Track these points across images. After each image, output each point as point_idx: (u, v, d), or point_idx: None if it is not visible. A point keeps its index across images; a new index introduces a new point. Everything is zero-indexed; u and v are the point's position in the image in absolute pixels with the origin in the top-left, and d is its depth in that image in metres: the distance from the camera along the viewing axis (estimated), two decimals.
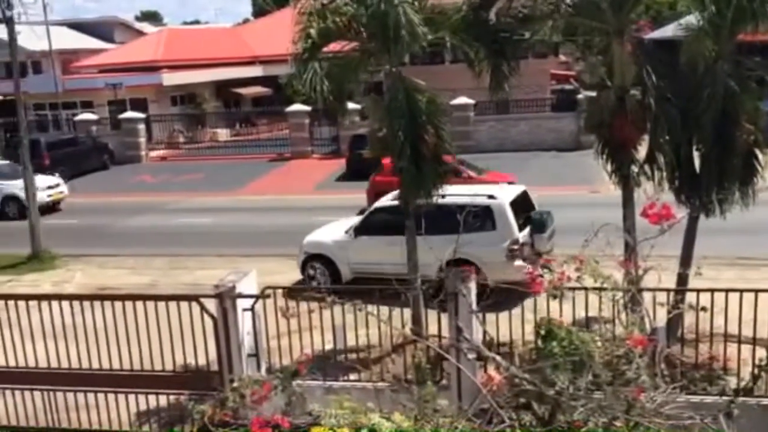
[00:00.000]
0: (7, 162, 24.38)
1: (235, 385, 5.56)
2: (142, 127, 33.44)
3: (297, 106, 30.77)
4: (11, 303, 8.00)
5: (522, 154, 27.88)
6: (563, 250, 5.34)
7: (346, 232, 14.06)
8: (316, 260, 14.09)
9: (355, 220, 14.43)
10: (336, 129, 30.94)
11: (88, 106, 37.89)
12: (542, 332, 5.10)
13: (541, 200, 14.46)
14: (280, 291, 7.68)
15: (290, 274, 14.54)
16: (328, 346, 8.50)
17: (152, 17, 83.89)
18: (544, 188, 22.07)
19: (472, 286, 7.02)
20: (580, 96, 26.93)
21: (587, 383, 4.55)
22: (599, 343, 4.83)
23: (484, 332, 6.41)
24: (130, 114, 33.83)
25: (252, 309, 7.55)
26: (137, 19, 75.01)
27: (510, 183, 16.91)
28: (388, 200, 13.86)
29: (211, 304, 7.39)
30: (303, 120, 31.45)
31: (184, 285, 13.76)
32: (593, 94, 11.04)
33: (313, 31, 9.59)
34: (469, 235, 10.47)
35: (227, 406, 5.19)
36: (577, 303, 6.46)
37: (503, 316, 7.35)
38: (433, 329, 8.01)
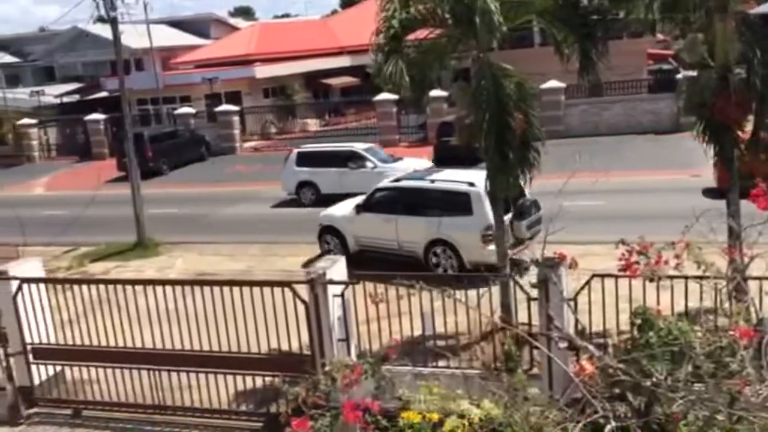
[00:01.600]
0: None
1: (326, 368, 5.69)
2: (236, 119, 34.62)
3: (384, 95, 30.90)
4: (119, 287, 8.52)
5: (617, 138, 26.91)
6: (662, 237, 5.09)
7: (353, 208, 15.36)
8: (329, 232, 15.71)
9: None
10: (424, 117, 30.90)
11: (186, 100, 39.61)
12: (638, 322, 4.93)
13: (639, 185, 13.94)
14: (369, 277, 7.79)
15: (380, 261, 14.70)
16: (417, 332, 8.56)
17: (245, 12, 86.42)
18: (642, 173, 21.26)
19: (564, 273, 6.86)
20: (679, 76, 25.70)
21: (687, 375, 4.36)
22: (699, 334, 4.62)
23: (576, 321, 6.26)
24: (225, 107, 35.07)
25: (342, 295, 7.70)
26: (231, 14, 77.47)
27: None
28: (388, 182, 15.91)
29: (303, 290, 7.60)
30: (390, 108, 31.60)
31: (278, 271, 14.16)
32: (693, 73, 10.50)
33: (395, 22, 9.56)
34: (450, 219, 13.56)
35: (319, 389, 5.32)
36: (677, 292, 6.20)
37: (596, 304, 7.15)
38: (522, 317, 7.91)
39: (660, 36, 36.01)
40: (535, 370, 7.24)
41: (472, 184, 13.62)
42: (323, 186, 21.76)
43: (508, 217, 12.84)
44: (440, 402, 4.70)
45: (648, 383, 4.38)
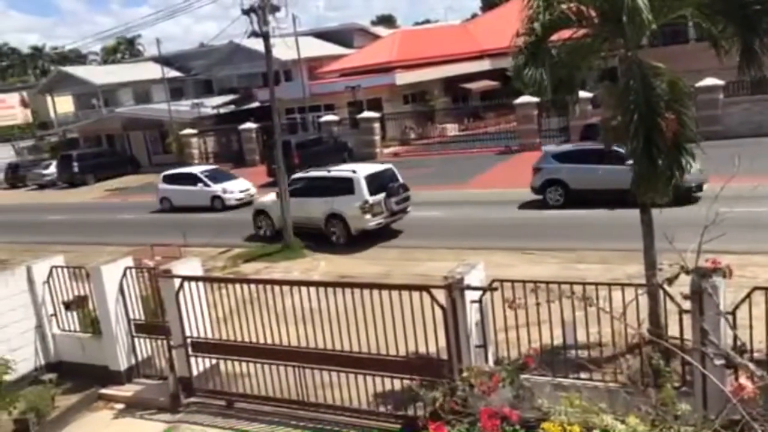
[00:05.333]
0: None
1: (464, 374, 5.68)
2: (377, 125, 35.49)
3: (525, 98, 30.35)
4: (268, 287, 9.00)
5: None
6: None
7: (276, 195, 20.35)
8: (261, 215, 21.27)
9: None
10: (566, 119, 29.98)
11: (330, 108, 41.18)
12: None
13: None
14: (507, 284, 7.67)
15: (519, 267, 14.45)
16: (557, 342, 8.30)
17: (387, 21, 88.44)
18: None
19: (720, 283, 6.38)
20: None
21: None
22: None
23: (735, 336, 5.80)
24: (366, 114, 36.07)
25: (480, 301, 7.64)
26: (373, 23, 79.58)
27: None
28: (302, 173, 21.23)
29: (440, 295, 7.64)
30: (531, 111, 30.96)
31: (415, 275, 14.33)
32: None
33: (538, 23, 9.33)
34: (340, 198, 18.85)
35: (457, 395, 5.32)
36: None
37: (759, 320, 6.57)
38: (673, 330, 7.43)
39: None
40: (685, 388, 6.78)
41: (354, 172, 19.20)
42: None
43: (383, 196, 18.80)
44: (582, 415, 4.53)
45: None
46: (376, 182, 19.07)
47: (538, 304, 6.81)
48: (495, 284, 7.59)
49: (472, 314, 7.61)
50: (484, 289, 7.67)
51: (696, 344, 6.26)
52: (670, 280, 5.98)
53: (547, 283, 6.97)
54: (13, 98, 70.32)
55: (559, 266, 14.72)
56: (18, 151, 51.99)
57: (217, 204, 27.05)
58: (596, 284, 7.23)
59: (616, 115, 9.63)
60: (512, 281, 7.37)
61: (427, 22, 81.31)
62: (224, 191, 27.17)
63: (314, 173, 20.85)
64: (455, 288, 7.50)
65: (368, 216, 18.54)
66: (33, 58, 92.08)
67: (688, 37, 30.10)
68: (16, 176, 43.80)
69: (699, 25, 10.17)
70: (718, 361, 5.51)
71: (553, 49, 9.68)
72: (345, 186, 18.91)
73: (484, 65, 42.68)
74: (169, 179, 28.87)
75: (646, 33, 9.05)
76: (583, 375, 7.54)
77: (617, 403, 4.89)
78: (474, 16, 65.61)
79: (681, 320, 7.05)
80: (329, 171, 20.46)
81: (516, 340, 7.64)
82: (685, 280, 6.19)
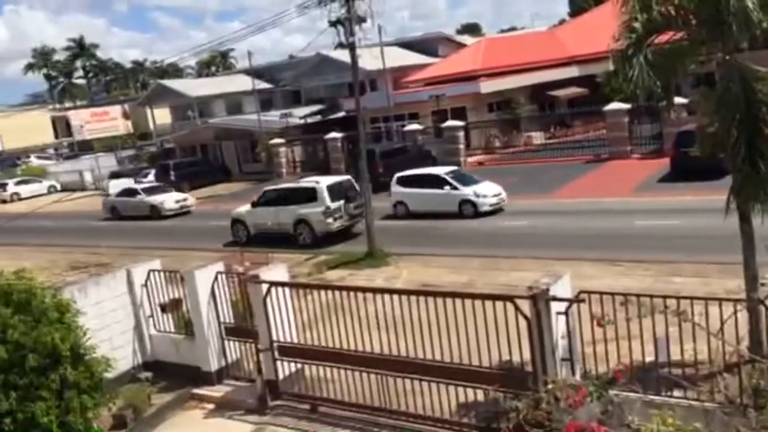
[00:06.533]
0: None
1: (549, 387, 5.57)
2: (461, 134, 35.32)
3: (615, 105, 29.48)
4: (352, 294, 9.12)
5: None
6: None
7: (250, 204, 24.39)
8: (238, 223, 24.49)
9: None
10: (658, 126, 28.86)
11: (414, 117, 41.32)
12: None
13: None
14: (596, 296, 7.45)
15: (607, 279, 14.01)
16: (649, 358, 7.98)
17: (472, 29, 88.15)
18: None
19: None
20: None
21: None
22: None
23: None
24: (450, 123, 35.97)
25: (566, 313, 7.46)
26: (458, 32, 79.52)
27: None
28: (273, 186, 26.28)
29: (525, 306, 7.51)
30: (621, 119, 29.99)
31: (499, 285, 14.14)
32: None
33: (638, 24, 9.05)
34: (305, 205, 22.22)
35: (541, 408, 5.22)
36: None
37: None
38: None
39: None
40: None
41: (318, 182, 22.96)
42: None
43: (342, 203, 22.18)
44: None
45: None
46: (337, 191, 22.36)
47: (628, 320, 6.59)
48: (582, 296, 7.39)
49: (558, 326, 7.44)
50: (570, 301, 7.48)
51: None
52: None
53: (638, 295, 6.73)
54: (116, 110, 74.75)
55: (651, 279, 14.16)
56: (119, 160, 54.92)
57: (467, 210, 23.62)
58: (691, 298, 6.91)
59: (714, 121, 9.21)
60: (600, 293, 7.16)
61: (513, 29, 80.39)
62: (476, 195, 23.75)
63: (283, 185, 25.43)
64: (540, 299, 7.36)
65: (330, 219, 22.02)
66: (134, 72, 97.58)
67: None
68: None
69: None
70: None
71: (648, 53, 9.36)
72: (309, 195, 22.46)
73: (572, 72, 41.71)
74: (405, 182, 25.29)
75: (747, 36, 8.61)
76: (676, 393, 7.22)
77: (714, 424, 4.66)
78: (562, 21, 64.28)
79: None
80: (297, 183, 24.73)
81: (604, 355, 7.40)
82: None
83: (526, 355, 7.69)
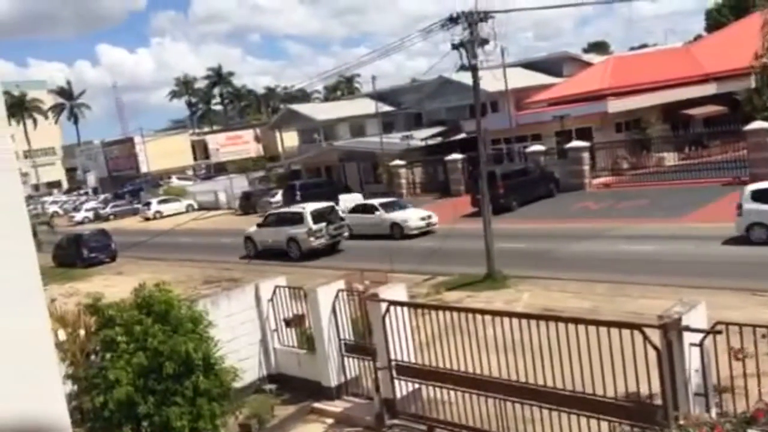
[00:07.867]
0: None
1: (681, 422, 5.24)
2: (586, 155, 34.22)
3: (758, 124, 27.48)
4: (470, 316, 9.04)
5: None
6: None
7: (257, 225, 29.85)
8: (249, 240, 29.67)
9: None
10: None
11: (537, 138, 40.56)
12: None
13: None
14: (734, 328, 6.94)
15: (747, 310, 12.99)
16: None
17: (600, 47, 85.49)
18: None
19: None
20: None
21: None
22: None
23: None
24: (575, 143, 34.97)
25: (701, 344, 6.99)
26: (585, 51, 77.44)
27: None
28: (273, 210, 32.57)
29: (654, 335, 7.12)
30: (764, 138, 27.88)
31: (626, 313, 13.48)
32: None
33: None
34: (294, 226, 27.45)
35: None
36: None
37: None
38: None
39: None
40: None
41: (304, 208, 27.77)
42: None
43: (324, 225, 27.01)
44: None
45: None
46: (319, 215, 27.22)
47: None
48: (719, 327, 6.90)
49: (692, 358, 6.97)
50: (705, 332, 7.00)
51: None
52: None
53: None
54: (249, 134, 79.17)
55: None
56: (250, 181, 57.91)
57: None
58: None
59: None
60: (739, 324, 6.66)
61: (644, 46, 77.13)
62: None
63: (280, 210, 31.37)
64: (672, 328, 6.94)
65: (312, 238, 26.82)
66: (266, 97, 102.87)
67: None
68: (248, 203, 48.72)
69: None
70: None
71: None
72: (297, 218, 27.48)
73: (709, 89, 39.37)
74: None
75: None
76: None
77: None
78: (698, 37, 60.92)
79: None
80: (290, 208, 30.45)
81: (744, 390, 6.86)
82: None
83: (654, 388, 7.27)
